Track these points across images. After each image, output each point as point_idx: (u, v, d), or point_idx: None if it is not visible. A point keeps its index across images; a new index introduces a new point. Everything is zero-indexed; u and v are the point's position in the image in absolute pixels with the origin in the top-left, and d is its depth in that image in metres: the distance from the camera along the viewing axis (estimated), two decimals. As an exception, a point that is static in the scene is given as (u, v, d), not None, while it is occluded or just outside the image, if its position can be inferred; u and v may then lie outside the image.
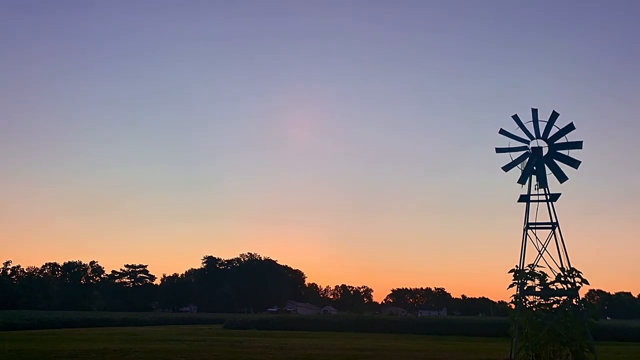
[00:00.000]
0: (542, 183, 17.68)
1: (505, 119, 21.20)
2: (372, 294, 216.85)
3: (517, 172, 18.36)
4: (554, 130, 17.94)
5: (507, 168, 18.27)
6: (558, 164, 17.67)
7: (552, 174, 17.67)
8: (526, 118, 18.17)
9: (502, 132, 18.24)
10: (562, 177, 17.61)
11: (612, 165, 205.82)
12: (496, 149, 18.43)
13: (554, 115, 17.92)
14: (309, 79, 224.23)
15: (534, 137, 18.06)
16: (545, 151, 17.99)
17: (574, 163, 17.56)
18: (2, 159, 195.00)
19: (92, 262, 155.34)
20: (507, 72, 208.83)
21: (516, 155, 18.22)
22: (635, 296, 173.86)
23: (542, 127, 18.06)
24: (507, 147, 18.26)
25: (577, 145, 17.66)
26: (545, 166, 17.77)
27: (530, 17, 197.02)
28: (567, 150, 17.78)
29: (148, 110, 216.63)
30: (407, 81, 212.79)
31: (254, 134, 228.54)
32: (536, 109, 18.09)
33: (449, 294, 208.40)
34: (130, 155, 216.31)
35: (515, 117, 18.19)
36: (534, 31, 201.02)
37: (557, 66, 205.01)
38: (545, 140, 18.02)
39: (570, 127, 17.86)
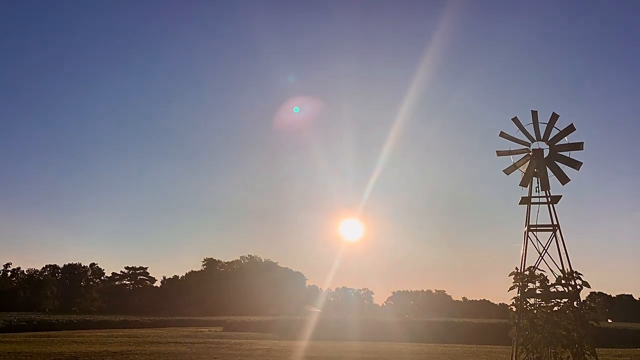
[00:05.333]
0: (544, 185, 17.67)
1: (506, 120, 21.05)
2: (372, 296, 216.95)
3: (518, 174, 18.33)
4: (554, 132, 17.90)
5: (508, 171, 18.26)
6: (560, 166, 17.63)
7: (554, 175, 17.64)
8: (527, 119, 18.14)
9: (502, 135, 18.22)
10: (563, 179, 17.58)
11: (614, 167, 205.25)
12: (497, 152, 18.40)
13: (554, 117, 17.89)
14: (309, 80, 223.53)
15: (535, 139, 18.03)
16: (546, 153, 17.97)
17: (575, 164, 17.53)
18: (3, 159, 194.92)
19: (92, 264, 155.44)
20: (506, 72, 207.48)
21: (517, 158, 18.19)
22: (637, 298, 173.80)
23: (542, 129, 18.04)
24: (508, 150, 18.22)
25: (578, 146, 17.63)
26: (547, 168, 17.75)
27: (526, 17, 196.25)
28: (568, 152, 17.74)
29: (145, 111, 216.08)
30: (407, 85, 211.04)
31: (254, 135, 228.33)
32: (536, 111, 18.05)
33: (449, 296, 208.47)
34: (130, 157, 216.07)
35: (515, 120, 18.16)
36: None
37: (554, 65, 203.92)
38: (546, 142, 18.00)
39: (570, 129, 17.81)
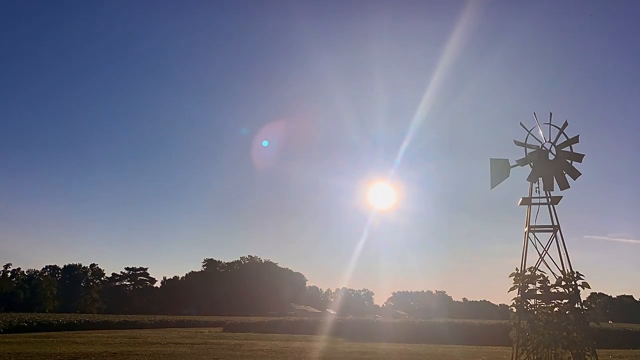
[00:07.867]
0: (548, 186, 17.79)
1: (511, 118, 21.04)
2: (373, 297, 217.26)
3: (526, 174, 18.38)
4: (562, 139, 18.08)
5: (522, 163, 18.22)
6: (562, 171, 17.78)
7: (555, 180, 17.74)
8: (541, 118, 18.23)
9: (517, 143, 18.32)
10: (563, 185, 17.71)
11: (614, 167, 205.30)
12: (517, 160, 18.42)
13: (565, 125, 18.09)
14: (306, 84, 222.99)
15: (544, 140, 18.19)
16: (551, 156, 18.09)
17: (575, 174, 17.71)
18: (3, 160, 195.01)
19: (92, 265, 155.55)
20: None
21: (530, 159, 18.28)
22: (637, 299, 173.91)
23: (548, 129, 18.18)
24: (524, 157, 18.31)
25: (578, 158, 17.83)
26: (550, 170, 17.86)
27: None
28: (570, 160, 17.92)
29: (144, 112, 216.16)
30: (416, 90, 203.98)
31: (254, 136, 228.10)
32: (550, 113, 18.18)
33: (450, 297, 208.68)
34: (130, 157, 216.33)
35: (522, 125, 18.33)
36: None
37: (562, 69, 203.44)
38: (553, 145, 18.13)
39: (574, 140, 18.01)
